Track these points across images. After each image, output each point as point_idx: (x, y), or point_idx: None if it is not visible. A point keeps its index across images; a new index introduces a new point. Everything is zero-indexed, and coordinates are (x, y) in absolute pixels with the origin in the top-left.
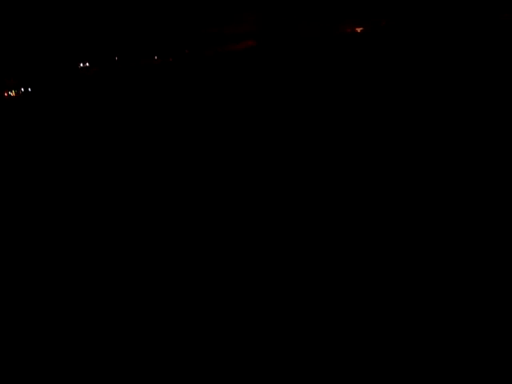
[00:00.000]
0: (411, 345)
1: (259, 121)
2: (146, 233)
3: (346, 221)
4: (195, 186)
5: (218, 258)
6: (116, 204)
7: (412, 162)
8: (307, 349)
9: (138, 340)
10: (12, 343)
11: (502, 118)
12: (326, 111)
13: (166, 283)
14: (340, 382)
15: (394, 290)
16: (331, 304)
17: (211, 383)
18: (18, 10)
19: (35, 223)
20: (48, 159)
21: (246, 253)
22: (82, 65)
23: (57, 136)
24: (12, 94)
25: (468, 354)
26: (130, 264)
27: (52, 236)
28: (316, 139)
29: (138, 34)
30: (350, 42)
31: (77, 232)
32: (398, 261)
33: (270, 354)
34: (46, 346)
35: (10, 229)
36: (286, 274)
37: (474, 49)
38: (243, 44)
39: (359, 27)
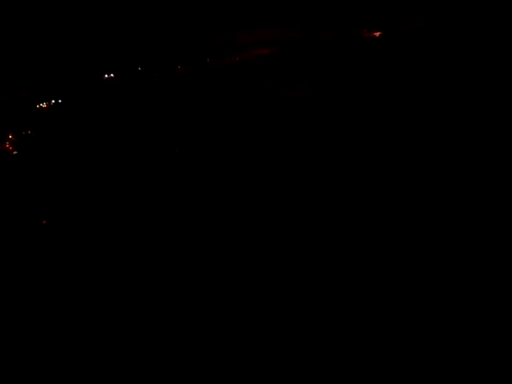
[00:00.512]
0: (411, 344)
1: (276, 123)
2: (148, 232)
3: (346, 220)
4: (219, 186)
5: (217, 257)
6: (139, 203)
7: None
8: (307, 348)
9: (138, 339)
10: (12, 343)
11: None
12: (343, 114)
13: (165, 282)
14: (340, 382)
15: (394, 290)
16: (331, 303)
17: (211, 383)
18: (47, 28)
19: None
20: (76, 160)
21: (246, 253)
22: (106, 76)
23: (84, 140)
24: (44, 105)
25: (468, 354)
26: (130, 263)
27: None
28: (333, 140)
29: (160, 45)
30: (367, 46)
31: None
32: (397, 260)
33: (270, 353)
34: (45, 346)
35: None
36: (286, 274)
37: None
38: (258, 51)
39: (377, 31)
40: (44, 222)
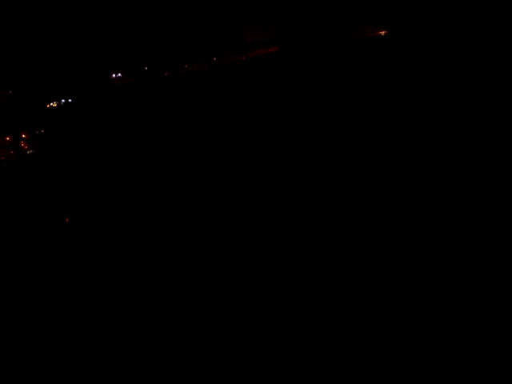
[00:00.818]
0: (411, 345)
1: (285, 122)
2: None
3: (346, 221)
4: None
5: (217, 258)
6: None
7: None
8: (307, 348)
9: (138, 340)
10: (12, 343)
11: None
12: (351, 113)
13: (166, 283)
14: (340, 382)
15: (394, 290)
16: (331, 304)
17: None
18: (54, 28)
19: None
20: (86, 158)
21: (246, 253)
22: (114, 75)
23: (93, 138)
24: (54, 104)
25: (468, 354)
26: (130, 264)
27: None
28: (339, 139)
29: (167, 44)
30: (373, 45)
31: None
32: (397, 261)
33: (270, 353)
34: (45, 346)
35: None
36: (286, 274)
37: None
38: (267, 50)
39: (382, 30)
40: (67, 220)
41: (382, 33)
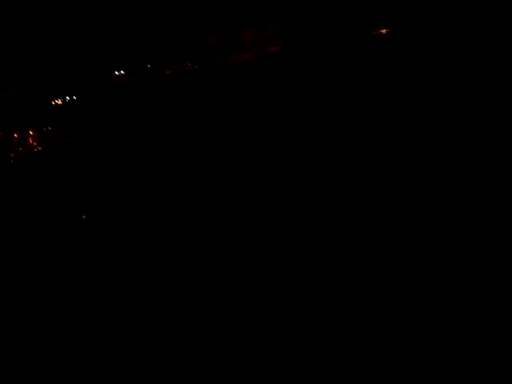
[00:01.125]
0: (411, 345)
1: (287, 124)
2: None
3: (346, 221)
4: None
5: (217, 258)
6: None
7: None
8: (307, 349)
9: (138, 340)
10: (12, 343)
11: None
12: (352, 113)
13: (166, 283)
14: (340, 382)
15: (394, 290)
16: (331, 304)
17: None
18: (56, 26)
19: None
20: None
21: (246, 253)
22: (116, 73)
23: (97, 137)
24: (59, 102)
25: (468, 354)
26: (130, 265)
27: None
28: (344, 140)
29: (169, 41)
30: (375, 43)
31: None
32: (397, 261)
33: (270, 353)
34: (46, 346)
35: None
36: (286, 275)
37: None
38: (267, 49)
39: (384, 28)
40: (84, 216)
41: (384, 31)
